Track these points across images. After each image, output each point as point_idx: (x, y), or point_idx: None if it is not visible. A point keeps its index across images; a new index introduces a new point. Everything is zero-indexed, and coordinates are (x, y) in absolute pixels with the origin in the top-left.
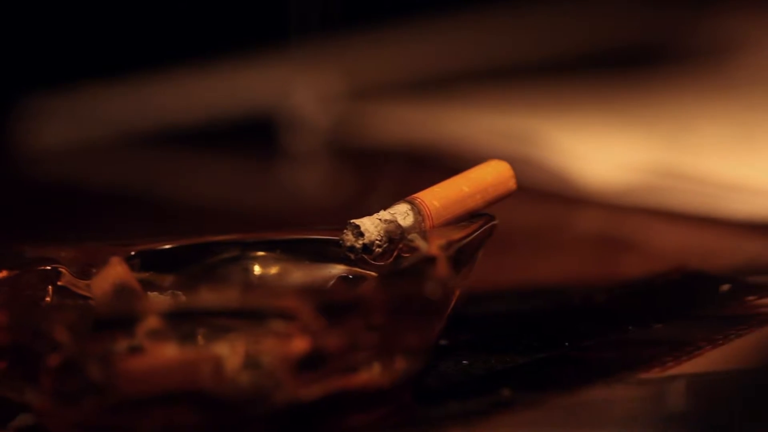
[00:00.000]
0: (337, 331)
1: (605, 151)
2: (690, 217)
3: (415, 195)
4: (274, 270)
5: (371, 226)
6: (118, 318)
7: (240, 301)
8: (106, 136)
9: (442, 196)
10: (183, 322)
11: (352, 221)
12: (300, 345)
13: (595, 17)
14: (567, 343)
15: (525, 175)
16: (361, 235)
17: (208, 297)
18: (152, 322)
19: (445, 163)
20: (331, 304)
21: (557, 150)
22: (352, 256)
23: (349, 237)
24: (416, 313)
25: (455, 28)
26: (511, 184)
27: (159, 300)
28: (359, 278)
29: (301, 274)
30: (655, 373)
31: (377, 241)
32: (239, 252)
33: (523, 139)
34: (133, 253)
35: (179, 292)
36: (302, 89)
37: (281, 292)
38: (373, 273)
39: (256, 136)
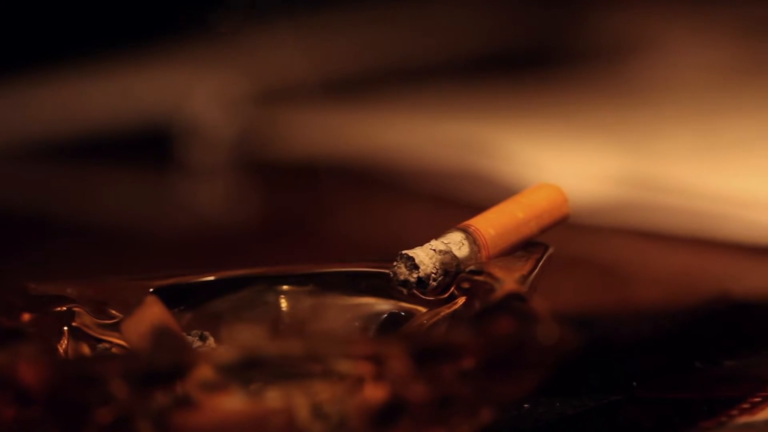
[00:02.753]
0: (423, 379)
1: (566, 161)
2: (680, 237)
3: (468, 222)
4: (310, 305)
5: (426, 257)
6: (169, 368)
7: (308, 347)
8: None
9: (497, 224)
10: (240, 371)
11: (404, 252)
12: (378, 394)
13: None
14: (634, 383)
15: (478, 191)
16: (416, 267)
17: (272, 344)
18: (205, 371)
19: (377, 178)
20: (424, 349)
21: (511, 160)
22: (405, 291)
23: (402, 270)
24: (518, 360)
25: (373, 21)
26: (565, 209)
27: (215, 348)
28: (410, 315)
29: (345, 310)
30: (748, 417)
31: (433, 274)
32: (266, 286)
33: (470, 149)
34: (151, 290)
35: (207, 333)
36: (202, 93)
37: (353, 337)
38: (421, 308)
39: (150, 148)
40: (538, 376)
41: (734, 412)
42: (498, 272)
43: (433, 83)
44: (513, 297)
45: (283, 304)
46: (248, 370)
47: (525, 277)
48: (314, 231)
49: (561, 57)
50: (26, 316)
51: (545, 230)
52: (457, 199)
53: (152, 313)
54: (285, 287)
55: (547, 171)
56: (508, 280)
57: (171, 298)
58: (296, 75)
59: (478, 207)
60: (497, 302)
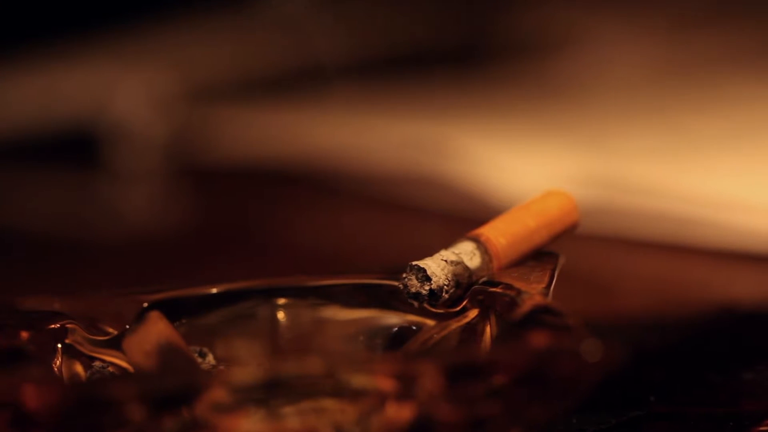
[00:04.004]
0: (453, 398)
1: (523, 161)
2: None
3: (478, 231)
4: (310, 319)
5: (437, 269)
6: (182, 389)
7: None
8: None
9: (508, 232)
10: (258, 392)
11: (414, 263)
12: (403, 413)
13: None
14: (652, 398)
15: (430, 194)
16: (428, 279)
17: (292, 362)
18: (220, 393)
19: (323, 182)
20: (458, 366)
21: (469, 161)
22: (416, 304)
23: (413, 282)
24: (558, 377)
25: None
26: (575, 216)
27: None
28: (418, 328)
29: (347, 324)
30: None
31: (445, 286)
32: (263, 300)
33: (422, 149)
34: (146, 304)
35: (206, 350)
36: (129, 91)
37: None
38: (429, 321)
39: (74, 150)
40: (576, 395)
41: (763, 427)
42: (518, 284)
43: (367, 80)
44: (544, 310)
45: (281, 317)
46: (266, 391)
47: (546, 289)
48: (258, 240)
49: (495, 53)
50: (24, 335)
51: (555, 239)
52: (408, 203)
53: (157, 329)
54: (282, 300)
55: (503, 172)
56: (531, 292)
57: (164, 313)
58: (227, 72)
59: (431, 211)
60: (527, 316)
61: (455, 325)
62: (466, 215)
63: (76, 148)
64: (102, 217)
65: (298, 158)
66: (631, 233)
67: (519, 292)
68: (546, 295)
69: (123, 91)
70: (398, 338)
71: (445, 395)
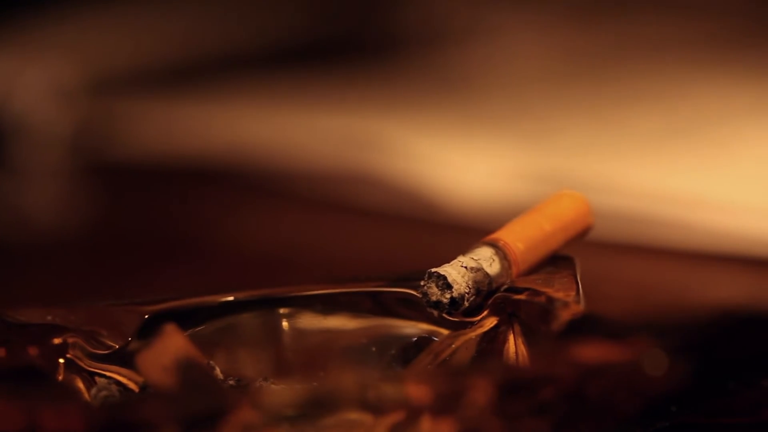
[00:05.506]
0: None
1: (462, 157)
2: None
3: (495, 236)
4: (318, 330)
5: (458, 276)
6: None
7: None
8: None
9: (525, 237)
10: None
11: (434, 270)
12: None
13: None
14: (673, 408)
15: (370, 193)
16: (449, 287)
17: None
18: (248, 413)
19: (245, 180)
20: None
21: (404, 157)
22: (435, 313)
23: (433, 290)
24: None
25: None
26: (590, 219)
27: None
28: (431, 338)
29: (356, 333)
30: None
31: (466, 294)
32: (268, 309)
33: (355, 144)
34: (147, 316)
35: (213, 363)
36: (30, 83)
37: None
38: (443, 330)
39: None
40: (629, 410)
41: None
42: (546, 291)
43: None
44: (590, 319)
45: (287, 327)
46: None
47: (578, 296)
48: (187, 244)
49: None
50: (33, 351)
51: (570, 243)
52: (343, 203)
53: (174, 344)
54: (287, 310)
55: (442, 168)
56: (565, 299)
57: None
58: (135, 62)
59: (368, 210)
60: (570, 326)
61: (472, 334)
62: (406, 214)
63: None
64: (2, 217)
65: (218, 155)
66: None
67: (551, 299)
68: (579, 302)
69: (23, 83)
70: (411, 348)
71: (494, 410)
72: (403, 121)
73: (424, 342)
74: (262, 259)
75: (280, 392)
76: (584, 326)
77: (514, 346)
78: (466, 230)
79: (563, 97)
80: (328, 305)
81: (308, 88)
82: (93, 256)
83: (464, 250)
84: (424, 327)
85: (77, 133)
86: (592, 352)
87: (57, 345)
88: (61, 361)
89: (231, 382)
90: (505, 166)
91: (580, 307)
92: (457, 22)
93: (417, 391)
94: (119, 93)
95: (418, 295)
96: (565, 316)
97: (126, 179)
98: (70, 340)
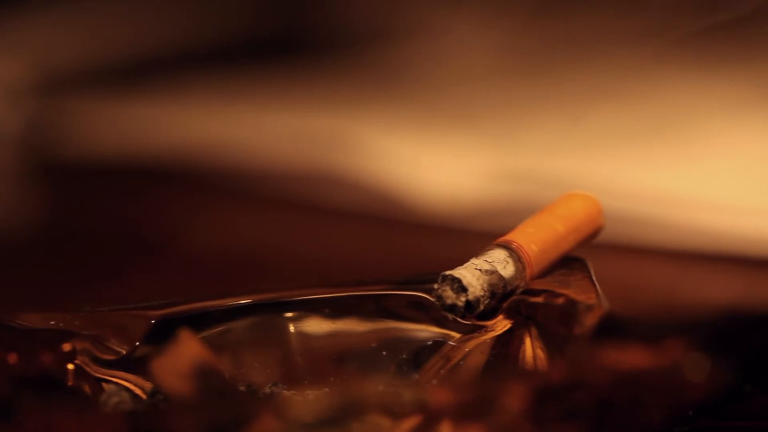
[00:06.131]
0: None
1: (430, 156)
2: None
3: (508, 238)
4: (326, 333)
5: (473, 279)
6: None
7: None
8: None
9: (538, 239)
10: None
11: (448, 273)
12: None
13: None
14: (691, 412)
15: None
16: (464, 290)
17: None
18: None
19: (204, 179)
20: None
21: (367, 155)
22: (450, 317)
23: (448, 293)
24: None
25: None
26: (600, 220)
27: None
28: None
29: (365, 337)
30: None
31: (482, 297)
32: (275, 313)
33: (316, 141)
34: (153, 321)
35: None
36: None
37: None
38: (454, 333)
39: None
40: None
41: None
42: (566, 293)
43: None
44: (625, 323)
45: (293, 331)
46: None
47: (599, 298)
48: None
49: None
50: (46, 358)
51: (581, 245)
52: (306, 201)
53: (189, 350)
54: (294, 313)
55: (406, 166)
56: (587, 302)
57: (170, 328)
58: (85, 60)
59: (332, 210)
60: (599, 329)
61: (485, 338)
62: (371, 213)
63: None
64: None
65: (173, 154)
66: None
67: (572, 302)
68: (601, 304)
69: None
70: (423, 352)
71: (527, 416)
72: (361, 118)
73: (435, 346)
74: (229, 260)
75: (302, 400)
76: (615, 329)
77: (531, 350)
78: (434, 229)
79: (520, 94)
80: (335, 309)
81: (262, 86)
82: (52, 260)
83: (432, 249)
84: (434, 330)
85: (27, 133)
86: (627, 357)
87: (67, 351)
88: (71, 367)
89: (241, 388)
90: (470, 164)
91: (604, 310)
92: (405, 17)
93: (438, 396)
94: (70, 91)
95: (431, 298)
96: (590, 319)
97: (79, 179)
98: (79, 346)
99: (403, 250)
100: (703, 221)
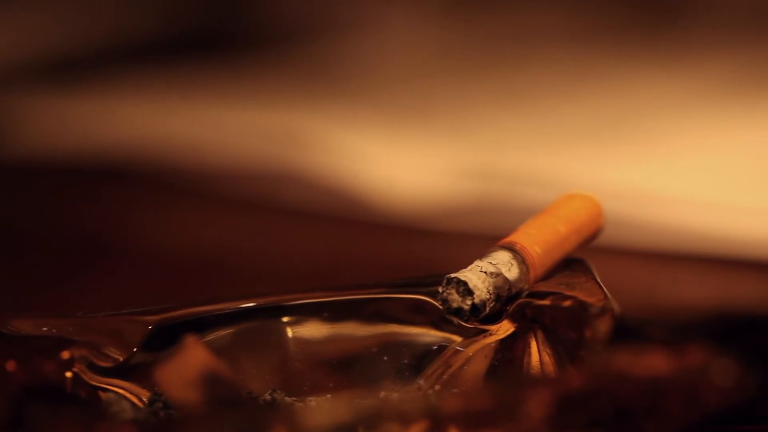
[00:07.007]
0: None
1: (395, 154)
2: None
3: (511, 239)
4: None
5: (479, 281)
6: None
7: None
8: None
9: (542, 240)
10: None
11: (453, 276)
12: None
13: None
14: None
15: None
16: (470, 293)
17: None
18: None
19: (157, 178)
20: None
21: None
22: (455, 321)
23: (453, 296)
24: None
25: None
26: (601, 221)
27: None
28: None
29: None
30: None
31: (487, 301)
32: (273, 318)
33: (271, 139)
34: (150, 326)
35: None
36: None
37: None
38: (455, 337)
39: None
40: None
41: None
42: (574, 295)
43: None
44: (642, 326)
45: (291, 336)
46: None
47: (608, 300)
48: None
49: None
50: (48, 367)
51: (583, 246)
52: (265, 201)
53: (196, 357)
54: (292, 318)
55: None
56: (597, 304)
57: (168, 333)
58: (29, 56)
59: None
60: (617, 333)
61: (487, 341)
62: (331, 212)
63: None
64: None
65: (125, 152)
66: None
67: (584, 305)
68: (612, 307)
69: None
70: (425, 356)
71: (549, 423)
72: (313, 114)
73: (437, 350)
74: (188, 262)
75: (314, 409)
76: (630, 333)
77: (537, 354)
78: (393, 227)
79: (473, 90)
80: (334, 313)
81: (214, 81)
82: (6, 262)
83: (393, 248)
84: (435, 334)
85: None
86: (646, 362)
87: (66, 359)
88: (69, 375)
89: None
90: (429, 161)
91: (616, 312)
92: (341, 13)
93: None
94: (14, 88)
95: (435, 302)
96: (603, 323)
97: (27, 179)
98: (77, 354)
99: (366, 250)
100: (670, 218)
